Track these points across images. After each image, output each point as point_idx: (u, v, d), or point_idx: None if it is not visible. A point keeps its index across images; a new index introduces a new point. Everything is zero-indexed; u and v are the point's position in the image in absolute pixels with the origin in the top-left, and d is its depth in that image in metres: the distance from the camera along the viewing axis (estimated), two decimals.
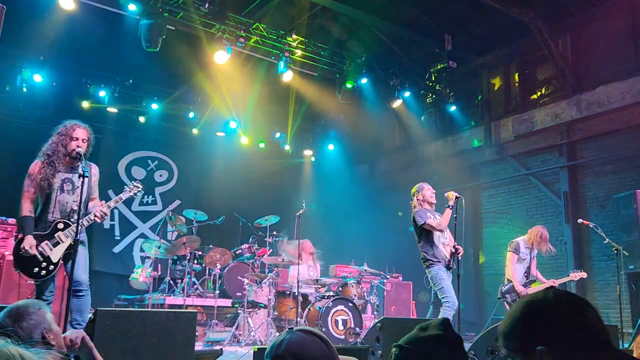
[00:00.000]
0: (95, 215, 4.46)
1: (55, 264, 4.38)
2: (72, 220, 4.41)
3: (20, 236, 4.39)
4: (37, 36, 9.30)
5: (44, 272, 4.33)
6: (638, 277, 7.50)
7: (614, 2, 9.29)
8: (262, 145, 12.56)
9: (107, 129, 10.64)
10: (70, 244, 4.34)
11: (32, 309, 2.33)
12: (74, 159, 4.50)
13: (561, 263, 9.42)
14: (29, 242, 4.28)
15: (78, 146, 4.48)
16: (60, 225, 4.43)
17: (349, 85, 10.35)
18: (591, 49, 9.64)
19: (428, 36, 10.48)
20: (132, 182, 4.89)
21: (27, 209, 4.41)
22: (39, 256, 4.30)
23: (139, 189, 4.83)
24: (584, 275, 7.04)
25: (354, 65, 10.30)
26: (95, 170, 4.69)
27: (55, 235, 4.40)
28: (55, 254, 4.38)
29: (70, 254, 4.24)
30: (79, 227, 4.16)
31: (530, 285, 6.93)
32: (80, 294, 4.37)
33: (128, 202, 11.10)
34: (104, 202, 4.64)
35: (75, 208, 4.26)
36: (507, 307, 6.98)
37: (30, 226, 4.35)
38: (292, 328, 1.70)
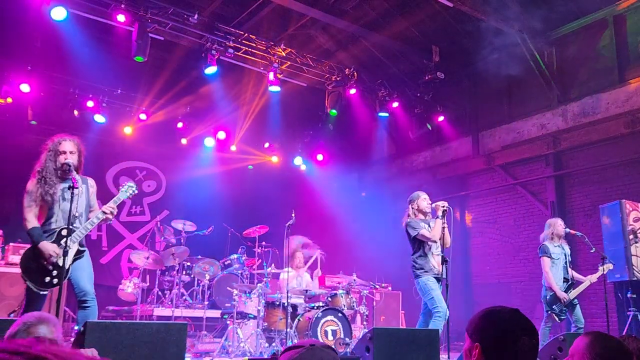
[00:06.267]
0: (105, 212, 4.50)
1: (66, 271, 4.36)
2: (74, 226, 4.40)
3: (22, 247, 4.39)
4: (24, 45, 9.25)
5: (55, 280, 4.32)
6: (624, 286, 7.58)
7: (598, 14, 9.45)
8: (250, 155, 12.56)
9: (95, 139, 10.57)
10: (78, 249, 4.41)
11: (21, 332, 2.23)
12: (65, 171, 4.53)
13: None
14: (52, 248, 4.29)
15: (66, 159, 4.53)
16: (64, 232, 4.41)
17: (334, 112, 10.47)
18: (576, 60, 9.80)
19: (416, 47, 10.59)
20: (126, 183, 4.87)
21: (32, 221, 4.41)
22: (49, 265, 4.30)
23: (134, 189, 4.83)
24: (611, 266, 6.77)
25: (343, 75, 10.36)
26: (92, 182, 4.80)
27: (61, 242, 4.40)
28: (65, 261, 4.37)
29: (78, 260, 4.37)
30: (80, 235, 4.30)
31: (571, 290, 6.52)
32: (86, 304, 4.37)
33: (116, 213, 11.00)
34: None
35: (76, 214, 4.33)
36: (556, 318, 6.59)
37: (40, 234, 4.36)
38: (313, 345, 1.65)
